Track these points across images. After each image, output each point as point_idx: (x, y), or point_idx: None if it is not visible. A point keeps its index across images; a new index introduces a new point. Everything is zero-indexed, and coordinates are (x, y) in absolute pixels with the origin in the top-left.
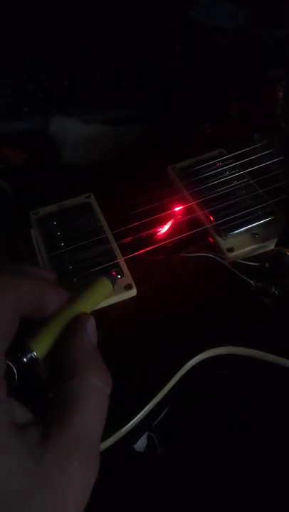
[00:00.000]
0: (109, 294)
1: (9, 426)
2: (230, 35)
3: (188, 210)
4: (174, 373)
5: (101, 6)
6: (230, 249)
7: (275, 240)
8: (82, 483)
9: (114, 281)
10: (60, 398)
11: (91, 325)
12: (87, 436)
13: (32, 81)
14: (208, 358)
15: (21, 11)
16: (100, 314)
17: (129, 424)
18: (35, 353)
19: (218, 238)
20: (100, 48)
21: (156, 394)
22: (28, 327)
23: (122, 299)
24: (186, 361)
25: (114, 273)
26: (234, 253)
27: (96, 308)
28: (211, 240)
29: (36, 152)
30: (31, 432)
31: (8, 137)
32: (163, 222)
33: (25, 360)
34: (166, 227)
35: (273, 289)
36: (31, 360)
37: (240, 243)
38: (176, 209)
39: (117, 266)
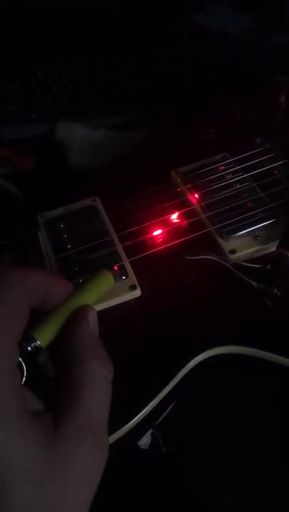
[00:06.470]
0: (111, 287)
1: (26, 411)
2: (234, 40)
3: (191, 213)
4: (177, 372)
5: (107, 12)
6: (233, 251)
7: (276, 242)
8: (93, 465)
9: (115, 275)
10: (65, 386)
11: (93, 316)
12: (94, 420)
13: (40, 87)
14: (210, 357)
15: (30, 17)
16: (105, 313)
17: (132, 421)
18: (38, 342)
19: (220, 240)
20: (106, 54)
21: (160, 392)
22: (33, 319)
23: (126, 300)
24: (189, 360)
25: (116, 267)
26: (236, 255)
27: (102, 306)
28: (214, 242)
29: (44, 157)
30: (43, 418)
31: (16, 142)
32: (166, 225)
33: (29, 348)
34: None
35: (275, 290)
36: (35, 349)
37: (242, 245)
38: (179, 212)
39: (122, 267)
